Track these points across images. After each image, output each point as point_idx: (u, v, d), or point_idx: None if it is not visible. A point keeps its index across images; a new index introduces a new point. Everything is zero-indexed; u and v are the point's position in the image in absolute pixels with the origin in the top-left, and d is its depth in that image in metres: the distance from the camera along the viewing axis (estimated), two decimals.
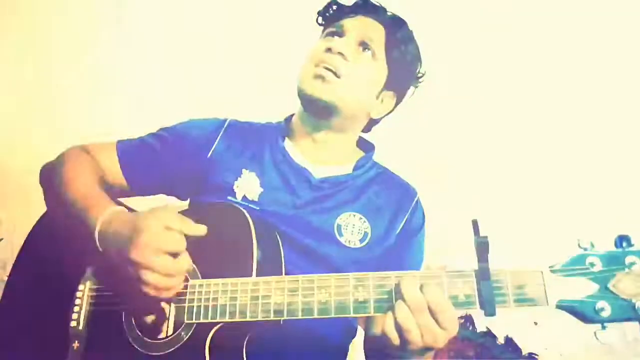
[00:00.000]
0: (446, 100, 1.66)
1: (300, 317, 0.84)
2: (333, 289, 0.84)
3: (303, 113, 1.19)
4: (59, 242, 1.02)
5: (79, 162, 1.11)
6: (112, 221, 0.92)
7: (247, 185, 1.13)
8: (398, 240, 1.16)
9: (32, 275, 1.10)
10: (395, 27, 1.21)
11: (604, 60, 1.65)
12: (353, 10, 1.22)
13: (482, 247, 0.77)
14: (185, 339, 0.90)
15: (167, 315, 0.93)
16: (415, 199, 1.21)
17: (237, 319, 0.87)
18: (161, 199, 1.29)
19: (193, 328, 0.91)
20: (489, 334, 1.54)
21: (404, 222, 1.18)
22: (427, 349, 0.81)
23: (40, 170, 1.16)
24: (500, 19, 1.72)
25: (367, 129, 1.29)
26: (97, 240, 0.92)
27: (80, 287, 1.02)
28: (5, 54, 1.93)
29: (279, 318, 0.86)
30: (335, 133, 1.19)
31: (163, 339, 0.92)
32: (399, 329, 0.78)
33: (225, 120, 1.23)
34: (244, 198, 1.12)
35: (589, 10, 1.67)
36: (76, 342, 0.98)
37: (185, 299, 0.92)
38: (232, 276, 0.91)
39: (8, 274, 1.13)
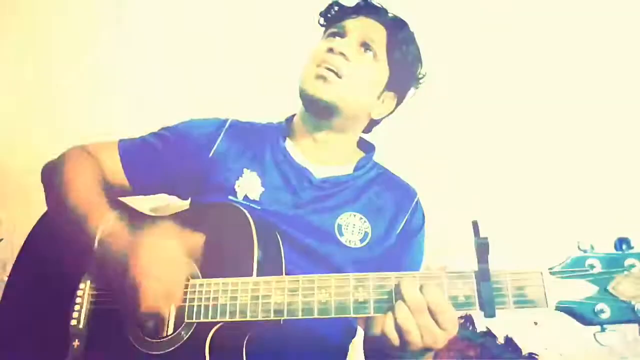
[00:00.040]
0: (446, 100, 1.66)
1: (300, 317, 0.85)
2: (333, 289, 0.84)
3: (304, 113, 1.20)
4: (60, 242, 1.02)
5: (80, 164, 1.11)
6: (112, 234, 0.93)
7: (249, 185, 1.14)
8: (398, 241, 1.16)
9: (32, 274, 1.11)
10: (397, 28, 1.21)
11: (603, 62, 1.65)
12: (355, 11, 1.22)
13: (482, 248, 0.77)
14: (185, 338, 0.91)
15: (168, 315, 0.93)
16: (415, 200, 1.22)
17: (237, 318, 0.88)
18: (162, 199, 1.29)
19: (193, 327, 0.91)
20: (489, 334, 1.54)
21: (404, 222, 1.18)
22: (426, 350, 0.81)
23: (42, 170, 1.17)
24: (500, 20, 1.72)
25: (367, 129, 1.29)
26: (95, 250, 0.93)
27: (81, 286, 1.02)
28: (5, 54, 1.93)
29: (279, 318, 0.86)
30: (336, 133, 1.19)
31: (163, 338, 0.92)
32: (398, 329, 0.78)
33: (226, 120, 1.23)
34: (245, 197, 1.12)
35: (588, 11, 1.68)
36: (76, 340, 0.98)
37: (186, 298, 0.92)
38: (232, 276, 0.91)
39: (8, 273, 1.13)
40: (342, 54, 1.13)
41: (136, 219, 1.09)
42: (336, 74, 1.11)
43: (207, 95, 1.78)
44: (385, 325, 0.80)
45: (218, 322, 0.89)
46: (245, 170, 1.15)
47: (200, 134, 1.19)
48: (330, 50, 1.13)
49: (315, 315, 0.84)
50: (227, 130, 1.21)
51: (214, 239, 0.98)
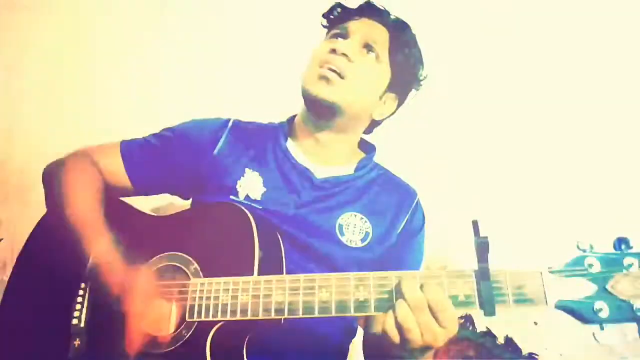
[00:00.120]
0: (446, 101, 1.66)
1: (301, 316, 0.85)
2: (334, 288, 0.84)
3: (306, 113, 1.20)
4: (60, 243, 1.02)
5: (79, 173, 1.12)
6: (104, 264, 0.96)
7: (250, 185, 1.14)
8: (399, 240, 1.17)
9: (33, 273, 1.11)
10: (399, 30, 1.22)
11: (603, 63, 1.65)
12: (357, 13, 1.22)
13: (482, 248, 0.78)
14: (186, 337, 0.91)
15: (169, 314, 0.94)
16: (416, 200, 1.22)
17: (238, 317, 0.88)
18: (164, 198, 1.29)
19: (194, 326, 0.91)
20: (489, 334, 1.55)
21: (404, 222, 1.18)
22: (426, 348, 0.81)
23: (43, 171, 1.17)
24: (500, 20, 1.72)
25: (368, 130, 1.29)
26: (87, 273, 0.97)
27: (82, 285, 1.03)
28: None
29: (280, 317, 0.86)
30: (338, 134, 1.20)
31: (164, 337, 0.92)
32: (399, 327, 0.79)
33: (228, 120, 1.23)
34: (247, 197, 1.12)
35: (588, 13, 1.68)
36: (77, 340, 0.98)
37: (187, 297, 0.93)
38: (233, 275, 0.91)
39: (8, 273, 1.14)
40: (344, 55, 1.13)
41: (136, 223, 1.13)
42: (339, 74, 1.11)
43: (208, 95, 1.78)
44: (385, 323, 0.80)
45: (219, 321, 0.90)
46: (247, 170, 1.16)
47: (202, 134, 1.20)
48: (333, 51, 1.14)
49: (316, 315, 0.84)
50: (230, 130, 1.21)
51: (215, 239, 0.99)
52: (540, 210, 1.58)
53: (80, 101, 1.86)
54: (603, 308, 0.73)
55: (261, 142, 1.21)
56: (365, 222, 1.15)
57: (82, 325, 1.00)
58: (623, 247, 0.75)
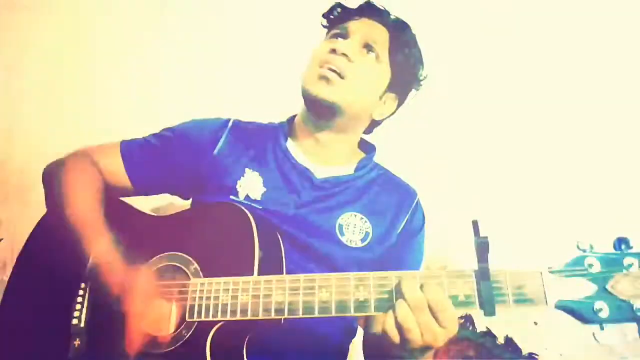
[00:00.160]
0: (446, 101, 1.66)
1: (301, 316, 0.85)
2: (334, 288, 0.84)
3: (306, 113, 1.20)
4: (60, 242, 1.02)
5: (79, 173, 1.12)
6: (103, 264, 0.96)
7: (250, 185, 1.14)
8: (399, 240, 1.17)
9: (34, 273, 1.11)
10: (399, 30, 1.22)
11: (603, 63, 1.65)
12: (357, 13, 1.22)
13: (482, 248, 0.78)
14: (186, 337, 0.91)
15: (169, 314, 0.94)
16: (416, 200, 1.22)
17: (238, 317, 0.88)
18: (164, 198, 1.30)
19: (194, 326, 0.91)
20: (489, 334, 1.55)
21: (404, 222, 1.18)
22: (426, 348, 0.81)
23: (43, 171, 1.18)
24: (499, 21, 1.72)
25: (368, 130, 1.29)
26: (87, 273, 0.97)
27: (82, 285, 1.03)
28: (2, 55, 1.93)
29: (280, 317, 0.86)
30: (338, 134, 1.20)
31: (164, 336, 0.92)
32: (399, 327, 0.79)
33: (228, 120, 1.23)
34: (247, 197, 1.12)
35: (587, 13, 1.68)
36: (77, 339, 0.98)
37: (187, 297, 0.93)
38: (233, 275, 0.91)
39: (8, 273, 1.14)
40: (345, 55, 1.13)
41: (136, 223, 1.13)
42: (339, 74, 1.12)
43: (208, 95, 1.78)
44: (385, 323, 0.80)
45: (219, 321, 0.90)
46: (246, 170, 1.16)
47: (202, 134, 1.20)
48: (333, 51, 1.14)
49: (316, 315, 0.84)
50: (230, 130, 1.21)
51: (216, 239, 0.99)
52: (540, 210, 1.58)
53: (80, 101, 1.86)
54: (603, 308, 0.73)
55: (261, 142, 1.21)
56: (365, 222, 1.15)
57: (82, 325, 1.00)
58: (623, 247, 0.75)
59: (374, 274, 0.84)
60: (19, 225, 1.70)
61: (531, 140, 1.66)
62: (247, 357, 0.93)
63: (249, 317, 0.87)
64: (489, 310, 0.77)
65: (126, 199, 1.21)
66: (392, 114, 1.27)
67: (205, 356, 0.88)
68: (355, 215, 1.15)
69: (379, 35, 1.19)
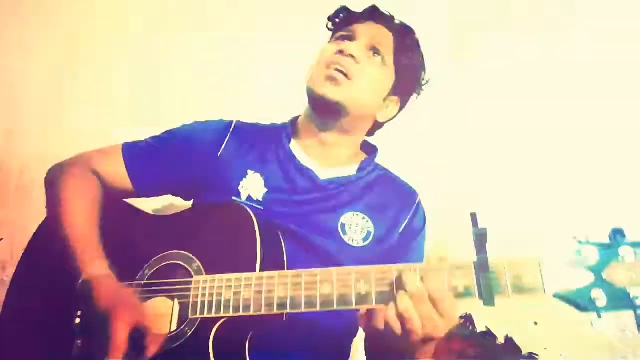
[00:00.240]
0: (446, 101, 1.68)
1: (303, 310, 0.86)
2: (335, 282, 0.85)
3: (311, 114, 1.21)
4: (59, 251, 1.03)
5: (78, 179, 1.13)
6: (93, 288, 0.94)
7: (252, 186, 1.15)
8: (400, 240, 1.18)
9: (36, 273, 1.12)
10: (403, 35, 1.24)
11: (598, 57, 1.67)
12: (363, 17, 1.25)
13: (481, 239, 0.79)
14: (189, 334, 0.91)
15: (171, 311, 0.94)
16: (417, 201, 1.23)
17: (240, 313, 0.88)
18: (165, 199, 1.30)
19: (197, 323, 0.92)
20: (488, 334, 1.55)
21: (406, 222, 1.19)
22: (428, 340, 0.82)
23: (46, 174, 1.18)
24: (498, 21, 1.75)
25: (371, 132, 1.31)
26: (78, 287, 0.96)
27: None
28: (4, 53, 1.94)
29: (282, 311, 0.87)
30: (342, 135, 1.21)
31: (167, 334, 0.92)
32: (400, 318, 0.80)
33: (231, 122, 1.25)
34: (249, 198, 1.13)
35: (586, 12, 1.71)
36: (80, 339, 0.98)
37: (190, 295, 0.93)
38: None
39: (8, 274, 1.14)
40: (351, 56, 1.15)
41: (137, 223, 1.13)
42: (345, 75, 1.13)
43: (210, 98, 1.79)
44: (387, 315, 0.81)
45: (222, 318, 0.90)
46: (249, 171, 1.16)
47: (206, 136, 1.21)
48: (340, 52, 1.15)
49: (318, 308, 0.85)
50: (233, 132, 1.22)
51: (218, 239, 1.00)
52: (540, 209, 1.60)
53: (81, 102, 1.86)
54: (600, 296, 0.74)
55: (263, 144, 1.22)
56: (367, 221, 1.16)
57: (84, 325, 0.99)
58: (618, 237, 0.77)
59: (375, 267, 0.85)
60: (18, 225, 1.69)
61: (530, 140, 1.67)
62: (249, 355, 0.93)
63: (251, 313, 0.88)
64: (489, 301, 0.78)
65: (127, 200, 1.21)
66: (394, 117, 1.29)
67: (208, 353, 0.89)
68: (358, 215, 1.16)
69: (385, 38, 1.21)
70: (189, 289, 0.94)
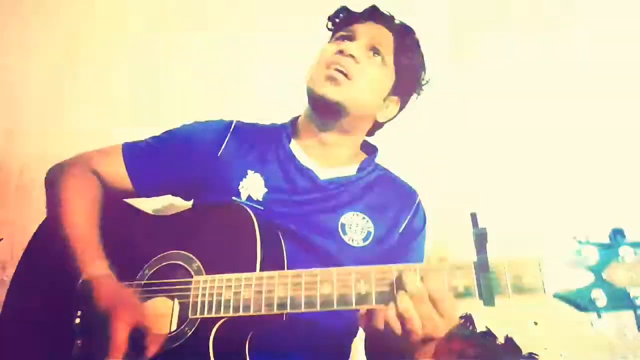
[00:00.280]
0: (446, 101, 1.68)
1: (303, 310, 0.86)
2: (335, 282, 0.85)
3: (311, 114, 1.21)
4: (59, 251, 1.03)
5: (78, 180, 1.13)
6: (93, 288, 0.94)
7: (252, 186, 1.15)
8: (400, 240, 1.18)
9: (36, 273, 1.12)
10: (404, 35, 1.24)
11: (597, 56, 1.67)
12: (363, 17, 1.25)
13: (481, 239, 0.79)
14: (189, 334, 0.92)
15: (171, 311, 0.94)
16: (417, 201, 1.24)
17: (240, 313, 0.89)
18: (165, 199, 1.30)
19: (197, 323, 0.92)
20: (488, 334, 1.55)
21: (406, 222, 1.20)
22: (428, 339, 0.82)
23: (46, 174, 1.18)
24: (497, 20, 1.75)
25: (370, 132, 1.31)
26: (77, 287, 0.95)
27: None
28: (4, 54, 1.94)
29: (282, 311, 0.87)
30: (342, 135, 1.21)
31: (167, 334, 0.93)
32: (400, 318, 0.80)
33: (231, 122, 1.25)
34: (249, 198, 1.13)
35: (585, 11, 1.71)
36: (80, 339, 0.98)
37: (190, 295, 0.93)
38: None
39: (8, 274, 1.14)
40: (352, 56, 1.15)
41: (137, 223, 1.13)
42: (346, 75, 1.13)
43: (210, 98, 1.79)
44: (387, 315, 0.81)
45: (222, 318, 0.90)
46: (249, 171, 1.17)
47: (206, 137, 1.21)
48: (340, 52, 1.16)
49: (318, 308, 0.85)
50: (233, 132, 1.22)
51: (218, 239, 1.00)
52: (540, 209, 1.60)
53: (81, 102, 1.86)
54: (600, 296, 0.74)
55: (263, 144, 1.22)
56: (367, 221, 1.16)
57: (84, 325, 0.99)
58: (618, 237, 0.77)
59: (375, 267, 0.85)
60: (18, 225, 1.70)
61: (530, 140, 1.68)
62: (249, 355, 0.93)
63: (251, 313, 0.88)
64: (489, 301, 0.78)
65: (127, 200, 1.21)
66: (394, 117, 1.29)
67: (208, 353, 0.89)
68: (358, 215, 1.16)
69: (385, 38, 1.21)
70: (189, 289, 0.94)
